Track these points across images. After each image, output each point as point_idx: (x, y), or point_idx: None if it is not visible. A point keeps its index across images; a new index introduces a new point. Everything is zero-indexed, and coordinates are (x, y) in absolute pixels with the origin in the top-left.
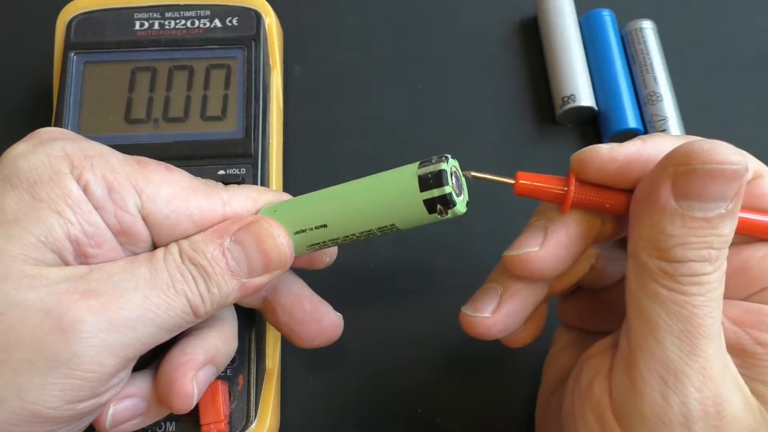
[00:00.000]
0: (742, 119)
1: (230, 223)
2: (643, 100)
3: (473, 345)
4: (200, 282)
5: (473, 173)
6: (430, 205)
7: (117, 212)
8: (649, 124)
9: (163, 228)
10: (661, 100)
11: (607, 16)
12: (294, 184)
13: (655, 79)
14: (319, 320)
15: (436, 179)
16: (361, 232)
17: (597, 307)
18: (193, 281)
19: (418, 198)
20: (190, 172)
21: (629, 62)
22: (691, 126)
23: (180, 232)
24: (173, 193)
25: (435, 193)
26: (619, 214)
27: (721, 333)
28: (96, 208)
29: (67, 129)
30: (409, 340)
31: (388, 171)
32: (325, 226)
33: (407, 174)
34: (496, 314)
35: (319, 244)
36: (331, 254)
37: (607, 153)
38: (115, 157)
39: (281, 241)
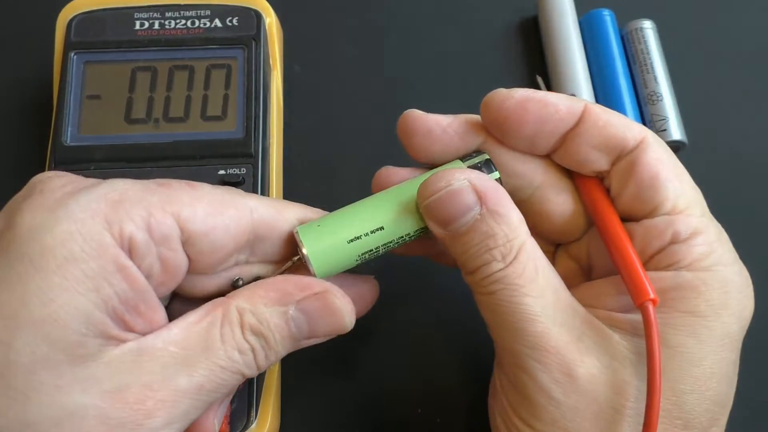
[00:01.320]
0: (742, 119)
1: (293, 287)
2: (644, 100)
3: (474, 345)
4: (259, 353)
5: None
6: None
7: (161, 252)
8: (649, 124)
9: (204, 247)
10: (661, 100)
11: (607, 16)
12: (294, 184)
13: (655, 78)
14: (363, 297)
15: (486, 167)
16: (415, 231)
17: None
18: (252, 354)
19: None
20: (191, 172)
21: (629, 62)
22: (691, 126)
23: (219, 248)
24: (206, 209)
25: None
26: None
27: (554, 305)
28: (140, 263)
29: (68, 129)
30: (409, 339)
31: (428, 171)
32: (381, 228)
33: (456, 166)
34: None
35: (371, 251)
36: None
37: (505, 92)
38: (138, 188)
39: (349, 319)
